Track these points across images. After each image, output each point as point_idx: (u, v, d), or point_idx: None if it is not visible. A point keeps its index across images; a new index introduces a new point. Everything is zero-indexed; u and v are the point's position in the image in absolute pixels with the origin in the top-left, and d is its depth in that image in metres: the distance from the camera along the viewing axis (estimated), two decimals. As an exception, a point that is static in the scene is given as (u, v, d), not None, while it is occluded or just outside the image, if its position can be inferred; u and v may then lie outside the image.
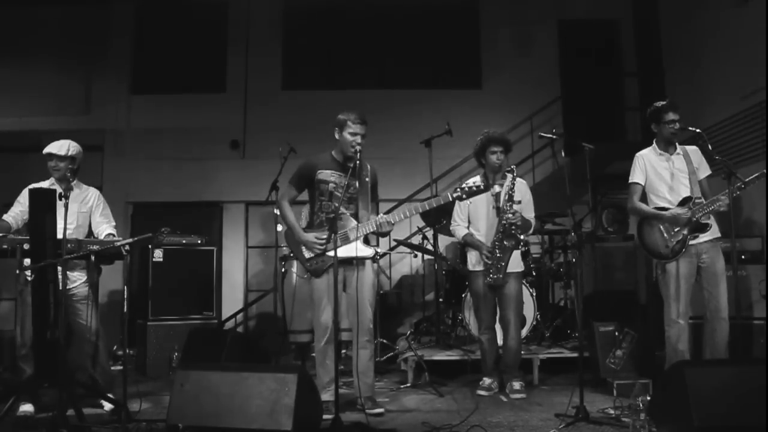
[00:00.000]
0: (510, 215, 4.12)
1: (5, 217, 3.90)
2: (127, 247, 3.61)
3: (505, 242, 4.14)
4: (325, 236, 3.73)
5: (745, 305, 4.52)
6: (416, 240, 6.26)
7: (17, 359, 3.76)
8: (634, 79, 8.01)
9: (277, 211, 5.67)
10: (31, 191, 3.66)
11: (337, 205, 3.74)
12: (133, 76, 8.11)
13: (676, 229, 3.88)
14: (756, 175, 3.73)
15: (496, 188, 4.23)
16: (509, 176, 4.26)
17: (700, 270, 3.90)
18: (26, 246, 3.60)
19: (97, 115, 7.89)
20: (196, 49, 8.17)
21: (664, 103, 4.02)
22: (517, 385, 4.23)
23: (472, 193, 3.66)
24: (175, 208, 7.76)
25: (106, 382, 3.96)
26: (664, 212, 3.93)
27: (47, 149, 3.90)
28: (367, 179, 3.86)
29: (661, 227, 3.94)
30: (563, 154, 7.23)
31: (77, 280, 3.90)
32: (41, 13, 7.99)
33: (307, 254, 3.82)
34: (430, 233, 5.84)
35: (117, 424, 3.42)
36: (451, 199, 3.67)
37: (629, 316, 4.94)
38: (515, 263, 4.26)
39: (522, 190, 4.29)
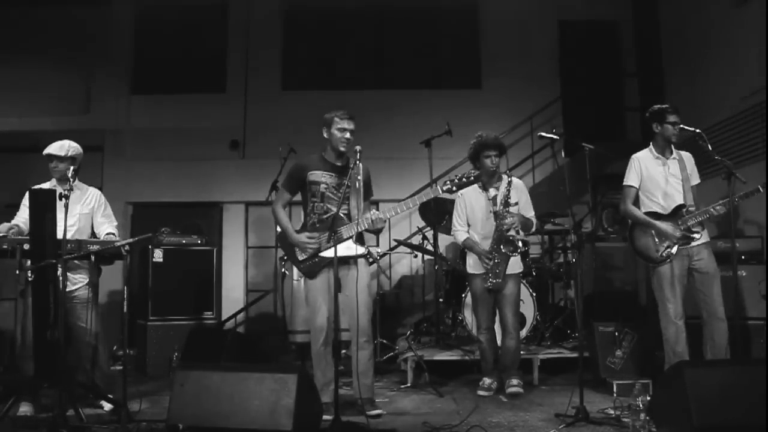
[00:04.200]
0: (508, 221, 4.11)
1: (14, 221, 3.91)
2: (127, 247, 3.61)
3: (502, 248, 4.13)
4: (316, 236, 3.74)
5: (745, 305, 4.53)
6: (416, 240, 6.26)
7: (18, 359, 3.75)
8: (634, 79, 8.01)
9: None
10: (31, 191, 3.66)
11: (329, 206, 3.75)
12: (133, 76, 8.11)
13: (665, 240, 3.91)
14: (754, 189, 3.77)
15: (492, 192, 4.25)
16: (505, 179, 4.27)
17: (693, 272, 3.92)
18: (26, 246, 3.61)
19: (97, 115, 7.89)
20: (196, 49, 8.17)
21: (666, 105, 4.06)
22: (514, 380, 4.24)
23: (462, 184, 3.60)
24: (175, 208, 7.76)
25: (106, 385, 3.95)
26: (656, 223, 3.94)
27: (47, 150, 3.90)
28: (359, 177, 3.81)
29: (653, 232, 3.95)
30: (563, 154, 7.33)
31: (79, 282, 3.90)
32: (41, 13, 7.98)
33: (300, 256, 3.81)
34: (430, 233, 5.84)
35: (117, 424, 3.42)
36: (441, 192, 3.62)
37: (629, 316, 4.94)
38: (514, 264, 4.27)
39: (519, 190, 4.30)
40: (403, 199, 3.72)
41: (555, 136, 3.92)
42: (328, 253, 3.61)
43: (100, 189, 4.25)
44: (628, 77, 8.09)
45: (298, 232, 3.83)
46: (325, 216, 3.74)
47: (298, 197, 3.97)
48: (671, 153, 4.05)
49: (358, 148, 3.70)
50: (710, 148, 3.80)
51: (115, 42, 8.06)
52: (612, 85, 8.21)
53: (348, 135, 3.74)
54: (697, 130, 3.85)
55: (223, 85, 8.07)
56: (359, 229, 3.70)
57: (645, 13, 7.85)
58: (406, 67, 8.24)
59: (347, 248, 3.70)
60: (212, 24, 8.24)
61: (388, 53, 8.29)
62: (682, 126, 3.95)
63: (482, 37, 8.20)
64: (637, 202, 4.09)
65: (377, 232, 3.86)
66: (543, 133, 3.98)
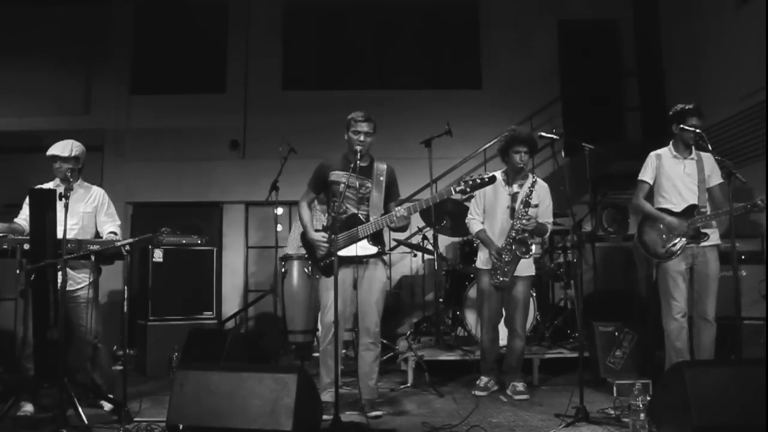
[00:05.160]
0: (524, 221, 4.10)
1: (17, 220, 3.91)
2: (127, 247, 3.60)
3: (514, 248, 4.11)
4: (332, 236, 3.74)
5: (745, 305, 4.52)
6: (416, 240, 6.26)
7: (20, 359, 3.74)
8: (634, 79, 8.01)
9: (277, 211, 5.69)
10: (30, 191, 3.65)
11: (347, 205, 3.76)
12: (133, 77, 8.11)
13: (673, 234, 3.91)
14: (758, 206, 3.76)
15: (515, 188, 4.23)
16: (530, 179, 4.23)
17: (693, 271, 3.94)
18: (26, 246, 3.60)
19: (97, 115, 7.89)
20: (195, 49, 8.18)
21: (690, 106, 3.97)
22: (520, 386, 4.23)
23: (476, 186, 3.60)
24: (175, 208, 7.76)
25: (107, 384, 3.95)
26: (666, 217, 3.94)
27: (51, 151, 3.88)
28: (381, 178, 3.84)
29: (662, 227, 3.96)
30: (563, 154, 7.31)
31: (82, 281, 3.89)
32: (41, 13, 7.99)
33: (319, 254, 3.84)
34: (430, 233, 5.84)
35: (117, 424, 3.43)
36: (453, 194, 3.62)
37: (629, 316, 4.94)
38: (526, 267, 4.24)
39: (542, 194, 4.25)
40: (410, 199, 3.72)
41: (555, 136, 3.91)
42: (345, 252, 3.67)
43: (100, 189, 4.25)
44: (628, 77, 8.09)
45: (318, 231, 3.86)
46: (342, 215, 3.75)
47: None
48: (690, 153, 4.05)
49: (358, 147, 3.71)
50: (710, 148, 3.80)
51: (115, 42, 8.06)
52: (612, 85, 8.21)
53: (362, 137, 3.74)
54: (697, 131, 3.85)
55: (223, 85, 8.07)
56: (373, 229, 3.72)
57: (645, 12, 7.85)
58: (406, 67, 8.25)
59: (362, 248, 3.72)
60: (212, 24, 8.24)
61: (388, 53, 8.30)
62: (682, 126, 3.94)
63: (482, 37, 8.20)
64: (650, 199, 4.11)
65: (400, 230, 3.87)
66: (543, 133, 3.98)
